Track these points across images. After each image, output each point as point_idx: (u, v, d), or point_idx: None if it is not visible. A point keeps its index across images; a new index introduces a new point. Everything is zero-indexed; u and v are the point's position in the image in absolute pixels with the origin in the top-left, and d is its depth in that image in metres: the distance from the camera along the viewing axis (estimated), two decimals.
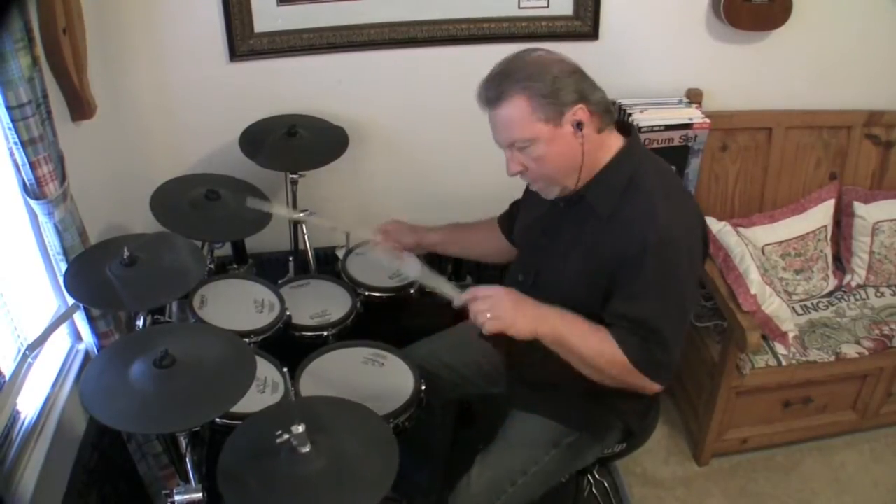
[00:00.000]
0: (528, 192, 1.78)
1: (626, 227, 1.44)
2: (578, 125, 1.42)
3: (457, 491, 1.68)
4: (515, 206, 1.87)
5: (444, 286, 1.57)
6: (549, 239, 1.60)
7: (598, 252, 1.48)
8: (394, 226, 1.93)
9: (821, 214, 2.49)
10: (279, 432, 1.30)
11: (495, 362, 1.82)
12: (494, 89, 1.42)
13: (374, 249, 1.93)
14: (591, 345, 1.46)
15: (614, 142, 1.50)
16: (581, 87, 1.42)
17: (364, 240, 1.99)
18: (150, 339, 1.45)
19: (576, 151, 1.44)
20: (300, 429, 1.29)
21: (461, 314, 2.17)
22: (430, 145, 2.43)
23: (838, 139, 2.54)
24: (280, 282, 2.05)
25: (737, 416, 2.33)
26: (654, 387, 1.50)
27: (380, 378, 1.77)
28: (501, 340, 1.78)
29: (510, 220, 1.86)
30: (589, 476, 1.98)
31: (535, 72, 1.39)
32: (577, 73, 1.43)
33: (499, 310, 1.44)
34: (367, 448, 1.38)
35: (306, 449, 1.30)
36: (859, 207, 2.50)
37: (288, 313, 1.87)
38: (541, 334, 1.45)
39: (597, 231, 1.49)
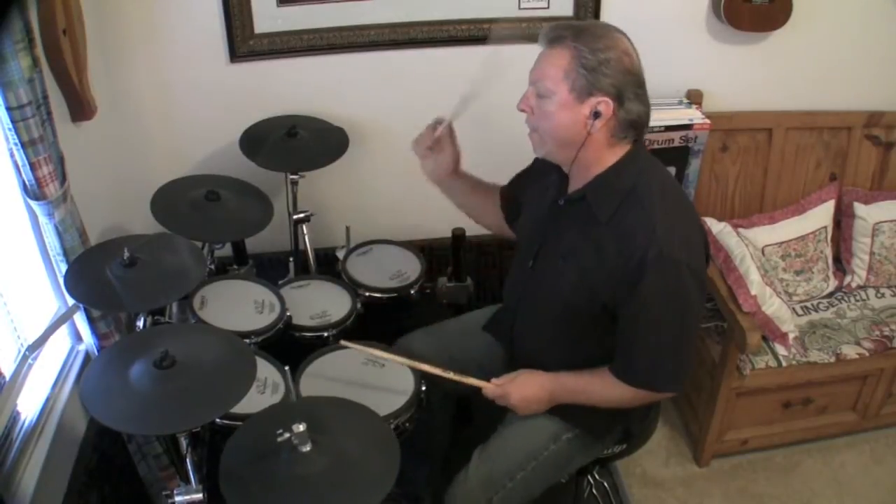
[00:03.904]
0: (529, 186, 1.77)
1: (626, 237, 1.44)
2: (595, 114, 1.41)
3: (454, 485, 1.68)
4: (519, 180, 1.83)
5: (468, 381, 1.66)
6: (549, 237, 1.60)
7: (597, 260, 1.48)
8: (453, 144, 1.84)
9: (821, 215, 2.49)
10: (280, 431, 1.30)
11: (495, 357, 1.82)
12: (556, 32, 1.42)
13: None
14: (599, 395, 1.59)
15: (623, 147, 1.49)
16: (623, 88, 1.41)
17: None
18: (150, 340, 1.46)
19: (578, 133, 1.44)
20: (301, 428, 1.29)
21: (461, 314, 2.18)
22: None
23: (838, 140, 2.54)
24: (280, 282, 2.05)
25: (737, 417, 2.33)
26: (667, 395, 1.62)
27: (380, 379, 1.77)
28: (504, 334, 1.79)
29: (510, 196, 1.85)
30: (589, 477, 1.98)
31: (597, 45, 1.39)
32: (632, 75, 1.42)
33: (513, 407, 1.63)
34: (368, 448, 1.38)
35: (307, 448, 1.31)
36: (859, 208, 2.51)
37: (288, 314, 1.87)
38: (553, 405, 1.64)
39: (597, 238, 1.49)
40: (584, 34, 1.40)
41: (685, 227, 1.49)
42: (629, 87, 1.41)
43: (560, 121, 1.44)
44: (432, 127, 1.80)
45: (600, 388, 1.57)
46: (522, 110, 1.50)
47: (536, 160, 1.74)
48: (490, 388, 1.63)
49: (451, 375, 1.65)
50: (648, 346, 1.49)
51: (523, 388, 1.61)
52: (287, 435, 1.30)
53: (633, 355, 1.51)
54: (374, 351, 1.72)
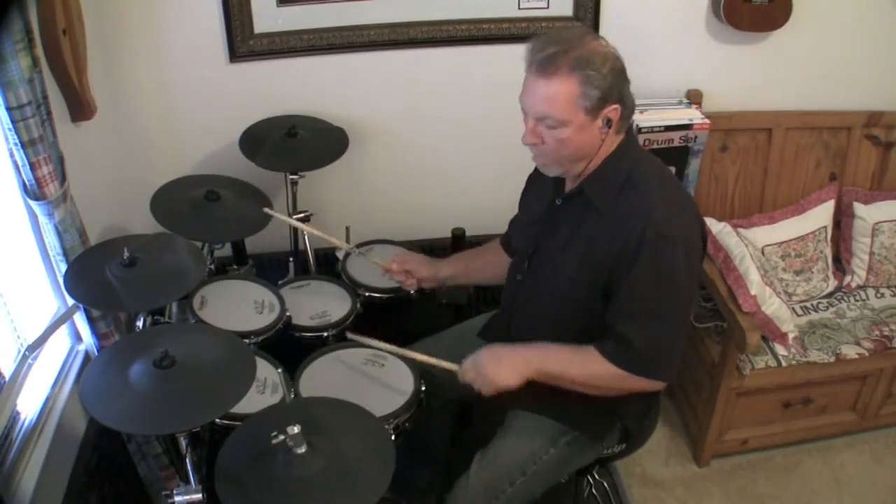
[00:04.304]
0: (524, 197, 1.79)
1: (624, 221, 1.45)
2: (608, 122, 1.43)
3: (455, 490, 1.68)
4: (516, 218, 1.88)
5: (441, 364, 1.64)
6: (547, 237, 1.60)
7: (596, 248, 1.49)
8: (410, 258, 1.94)
9: (821, 215, 2.50)
10: (275, 433, 1.30)
11: None
12: (551, 62, 1.39)
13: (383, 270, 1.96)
14: (580, 369, 1.54)
15: (617, 138, 1.51)
16: (623, 88, 1.43)
17: (375, 261, 1.99)
18: (150, 340, 1.45)
19: (595, 144, 1.46)
20: (296, 429, 1.29)
21: (461, 314, 2.19)
22: (429, 146, 2.44)
23: (838, 140, 2.54)
24: (280, 282, 2.05)
25: (737, 417, 2.33)
26: (657, 385, 1.56)
27: (380, 379, 1.77)
28: (501, 337, 1.79)
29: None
30: (589, 477, 1.98)
31: (598, 62, 1.39)
32: (623, 73, 1.45)
33: (484, 376, 1.55)
34: (365, 449, 1.38)
35: (302, 450, 1.30)
36: (859, 208, 2.51)
37: (288, 314, 1.87)
38: (529, 377, 1.55)
39: (595, 227, 1.50)
40: (577, 55, 1.38)
41: (682, 211, 1.50)
42: (625, 86, 1.45)
43: (579, 142, 1.45)
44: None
45: (584, 360, 1.52)
46: (531, 143, 1.48)
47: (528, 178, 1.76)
48: (461, 367, 1.60)
49: (425, 358, 1.64)
50: (647, 326, 1.47)
51: (493, 351, 1.58)
52: (282, 437, 1.30)
53: (630, 337, 1.48)
54: (363, 338, 1.71)
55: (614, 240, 1.46)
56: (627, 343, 1.49)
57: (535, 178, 1.72)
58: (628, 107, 1.46)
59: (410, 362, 1.79)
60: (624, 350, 1.50)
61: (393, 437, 1.59)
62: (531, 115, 1.46)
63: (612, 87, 1.40)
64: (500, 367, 1.55)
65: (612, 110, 1.43)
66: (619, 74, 1.42)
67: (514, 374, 1.54)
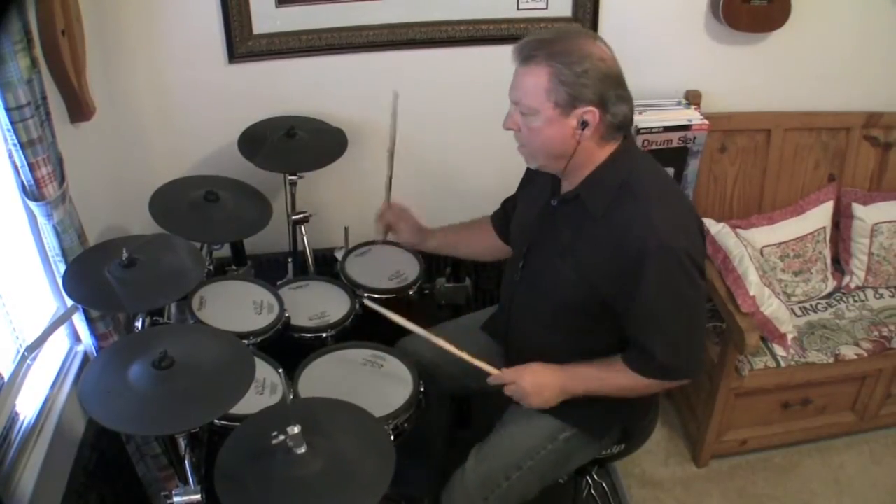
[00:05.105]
0: (523, 189, 1.79)
1: (623, 230, 1.44)
2: (583, 124, 1.42)
3: (451, 484, 1.68)
4: (509, 203, 1.88)
5: (479, 364, 1.64)
6: (545, 239, 1.60)
7: (594, 254, 1.49)
8: (405, 216, 1.95)
9: (820, 216, 2.50)
10: (275, 433, 1.30)
11: (494, 356, 1.82)
12: (529, 50, 1.42)
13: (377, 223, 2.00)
14: (613, 385, 1.58)
15: (613, 144, 1.50)
16: (606, 93, 1.41)
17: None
18: (148, 341, 1.46)
19: (568, 144, 1.45)
20: (296, 430, 1.29)
21: (459, 314, 2.18)
22: (428, 146, 2.44)
23: (837, 140, 2.55)
24: (279, 283, 2.05)
25: (736, 418, 2.34)
26: (685, 382, 1.60)
27: (378, 380, 1.77)
28: (500, 334, 1.79)
29: (504, 219, 1.87)
30: (588, 477, 1.98)
31: (572, 58, 1.38)
32: (612, 79, 1.42)
33: (523, 397, 1.60)
34: (365, 449, 1.38)
35: (302, 450, 1.31)
36: (858, 209, 2.51)
37: (287, 315, 1.87)
38: (564, 399, 1.60)
39: (592, 233, 1.49)
40: (556, 49, 1.39)
41: (680, 216, 1.50)
42: (610, 92, 1.41)
43: (549, 136, 1.45)
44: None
45: (615, 377, 1.56)
46: (509, 128, 1.51)
47: (528, 169, 1.75)
48: (499, 374, 1.61)
49: (464, 355, 1.63)
50: (666, 339, 1.48)
51: (536, 373, 1.59)
52: (282, 437, 1.30)
53: (651, 350, 1.49)
54: (396, 317, 1.68)
55: (614, 248, 1.45)
56: (651, 355, 1.50)
57: (533, 177, 1.72)
58: (615, 115, 1.43)
59: (410, 364, 1.79)
60: (649, 361, 1.51)
61: (392, 438, 1.59)
62: (511, 100, 1.48)
63: (586, 87, 1.38)
64: (541, 393, 1.58)
65: (587, 112, 1.40)
66: (601, 78, 1.39)
67: (552, 401, 1.60)
